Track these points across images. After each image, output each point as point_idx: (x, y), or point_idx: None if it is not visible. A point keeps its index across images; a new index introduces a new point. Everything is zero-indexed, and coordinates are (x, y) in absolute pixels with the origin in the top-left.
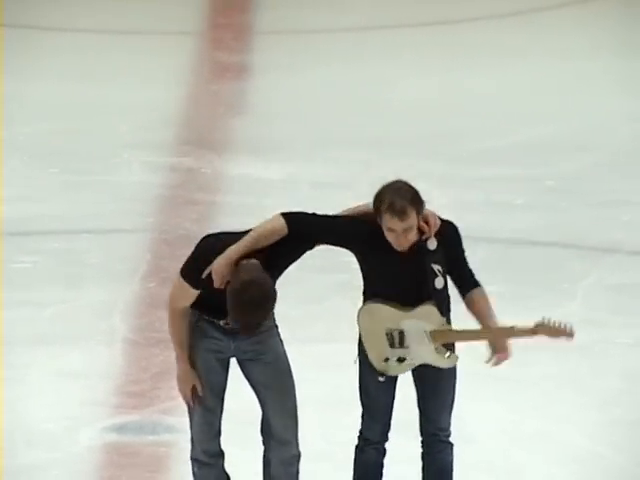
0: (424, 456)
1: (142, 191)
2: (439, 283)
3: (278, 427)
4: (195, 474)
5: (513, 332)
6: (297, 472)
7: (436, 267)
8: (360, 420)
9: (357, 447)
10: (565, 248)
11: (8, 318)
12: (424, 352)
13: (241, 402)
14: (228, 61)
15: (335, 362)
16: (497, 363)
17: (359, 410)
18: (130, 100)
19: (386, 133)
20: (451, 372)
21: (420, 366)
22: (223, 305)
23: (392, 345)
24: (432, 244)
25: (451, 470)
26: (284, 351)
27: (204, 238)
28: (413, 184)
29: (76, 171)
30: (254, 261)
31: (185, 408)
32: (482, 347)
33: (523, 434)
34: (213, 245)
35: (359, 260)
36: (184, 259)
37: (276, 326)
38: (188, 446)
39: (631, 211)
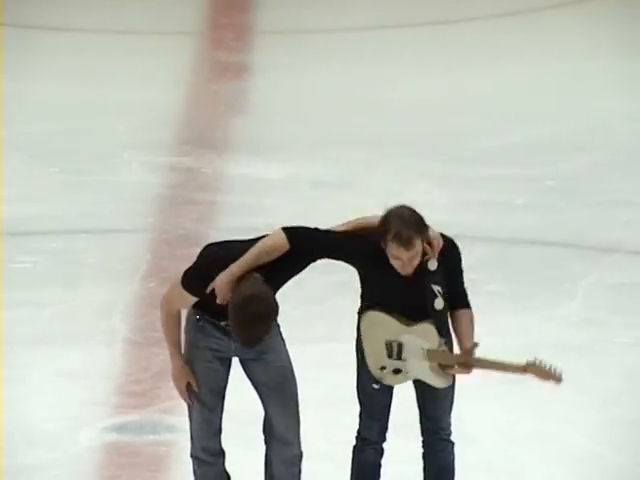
0: (425, 456)
1: (142, 191)
2: (439, 304)
3: (280, 427)
4: (195, 472)
5: (504, 366)
6: (299, 472)
7: (436, 288)
8: (358, 420)
9: (355, 447)
10: (565, 248)
11: (8, 318)
12: (419, 368)
13: (243, 401)
14: (228, 61)
15: (336, 362)
16: (456, 372)
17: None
18: (130, 100)
19: (386, 133)
20: None
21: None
22: (224, 308)
23: (390, 356)
24: (433, 265)
25: (453, 469)
26: (286, 351)
27: (206, 247)
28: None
29: (76, 171)
30: (256, 275)
31: (185, 407)
32: (482, 347)
33: (523, 434)
34: (215, 254)
35: (360, 273)
36: (184, 259)
37: (278, 325)
38: (189, 445)
39: (631, 211)
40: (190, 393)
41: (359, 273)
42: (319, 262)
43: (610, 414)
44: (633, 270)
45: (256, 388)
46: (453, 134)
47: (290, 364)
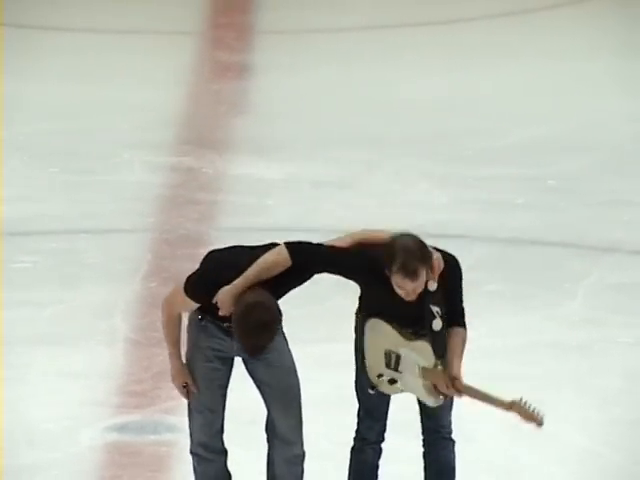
0: (426, 454)
1: (143, 191)
2: (437, 325)
3: (282, 426)
4: (195, 469)
5: (490, 399)
6: (302, 472)
7: (435, 309)
8: (356, 421)
9: (353, 448)
10: (565, 247)
11: (8, 318)
12: (413, 384)
13: (245, 401)
14: (229, 61)
15: (337, 362)
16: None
17: None
18: (131, 100)
19: (387, 133)
20: None
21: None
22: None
23: (388, 365)
24: (432, 285)
25: (454, 467)
26: (289, 351)
27: (209, 253)
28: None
29: (76, 171)
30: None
31: (186, 408)
32: (482, 347)
33: (522, 433)
34: (218, 261)
35: (361, 288)
36: (185, 259)
37: (281, 326)
38: (189, 443)
39: (631, 211)
40: (189, 393)
41: (360, 287)
42: None
43: (610, 414)
44: (633, 270)
45: (259, 387)
46: (454, 134)
47: (293, 364)
